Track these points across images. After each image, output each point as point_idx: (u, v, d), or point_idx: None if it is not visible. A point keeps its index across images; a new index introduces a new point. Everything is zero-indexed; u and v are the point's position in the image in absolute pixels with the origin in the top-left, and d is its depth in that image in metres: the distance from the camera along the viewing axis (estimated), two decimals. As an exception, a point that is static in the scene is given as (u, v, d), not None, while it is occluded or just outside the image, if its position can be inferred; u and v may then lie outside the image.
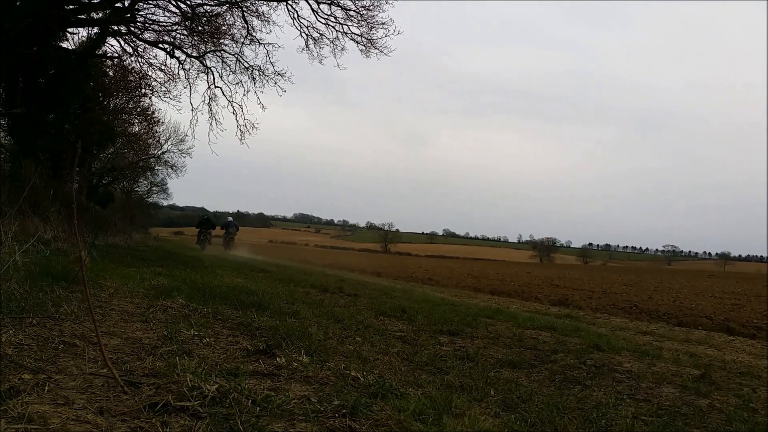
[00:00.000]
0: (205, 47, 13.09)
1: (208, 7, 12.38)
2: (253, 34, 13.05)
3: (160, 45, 12.80)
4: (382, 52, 12.97)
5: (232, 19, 12.78)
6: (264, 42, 13.51)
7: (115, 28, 12.32)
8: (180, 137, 27.82)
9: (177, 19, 12.22)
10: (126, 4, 11.84)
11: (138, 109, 17.81)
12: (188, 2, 12.01)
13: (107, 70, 14.94)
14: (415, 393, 1.90)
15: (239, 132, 14.38)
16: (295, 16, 13.02)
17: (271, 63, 14.57)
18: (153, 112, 18.72)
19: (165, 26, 12.33)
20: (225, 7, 12.45)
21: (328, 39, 13.09)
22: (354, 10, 12.55)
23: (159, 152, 27.30)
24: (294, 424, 1.48)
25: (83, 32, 13.20)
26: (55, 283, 3.23)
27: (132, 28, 12.29)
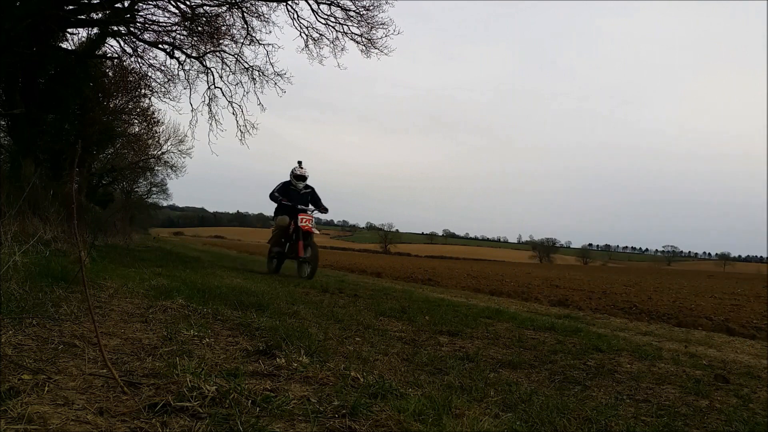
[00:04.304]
0: (205, 48, 13.11)
1: (208, 8, 12.40)
2: (253, 34, 13.08)
3: (160, 45, 12.81)
4: (382, 52, 13.02)
5: (231, 19, 12.81)
6: (264, 42, 13.54)
7: (115, 28, 12.33)
8: (180, 138, 27.89)
9: (177, 20, 12.24)
10: (126, 4, 11.85)
11: (138, 110, 17.85)
12: (188, 3, 12.03)
13: (107, 70, 14.96)
14: (415, 393, 1.90)
15: (239, 132, 14.42)
16: (295, 16, 13.06)
17: (271, 63, 14.57)
18: (153, 113, 18.77)
19: (165, 27, 12.35)
20: (225, 8, 12.47)
21: (328, 39, 13.13)
22: (354, 11, 12.58)
23: (159, 153, 27.36)
24: (294, 425, 1.48)
25: (83, 32, 13.22)
26: (54, 284, 3.23)
27: (132, 29, 12.30)
